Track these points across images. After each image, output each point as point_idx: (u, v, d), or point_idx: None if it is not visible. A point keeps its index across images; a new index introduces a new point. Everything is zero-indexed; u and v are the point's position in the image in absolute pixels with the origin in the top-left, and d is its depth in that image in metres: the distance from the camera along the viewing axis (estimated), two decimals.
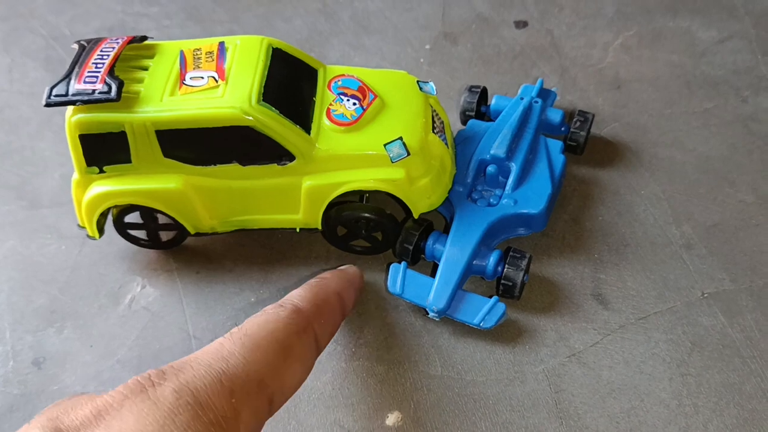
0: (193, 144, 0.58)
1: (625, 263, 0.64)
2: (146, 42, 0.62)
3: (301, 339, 0.46)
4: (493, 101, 0.72)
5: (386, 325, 0.61)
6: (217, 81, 0.58)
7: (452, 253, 0.60)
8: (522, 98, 0.70)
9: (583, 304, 0.61)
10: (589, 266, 0.63)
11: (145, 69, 0.60)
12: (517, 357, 0.59)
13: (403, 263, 0.61)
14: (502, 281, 0.60)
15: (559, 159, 0.67)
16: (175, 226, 0.63)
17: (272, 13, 0.93)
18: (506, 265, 0.60)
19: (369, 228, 0.63)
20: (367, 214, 0.61)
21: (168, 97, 0.57)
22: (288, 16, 0.92)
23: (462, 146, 0.67)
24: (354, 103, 0.60)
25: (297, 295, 0.50)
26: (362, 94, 0.61)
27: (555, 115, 0.71)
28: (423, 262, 0.64)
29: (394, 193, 0.59)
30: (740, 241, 0.65)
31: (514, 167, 0.65)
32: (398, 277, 0.60)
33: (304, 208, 0.61)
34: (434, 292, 0.59)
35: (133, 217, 0.64)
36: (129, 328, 0.63)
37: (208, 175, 0.59)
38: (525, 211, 0.63)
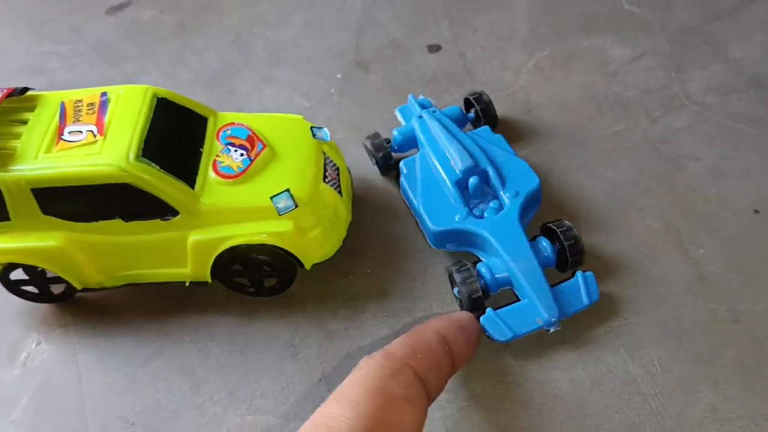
0: (72, 201, 0.56)
1: None
2: (28, 93, 0.60)
3: (397, 379, 0.46)
4: (394, 134, 0.71)
5: (284, 374, 0.60)
6: (95, 136, 0.56)
7: (522, 266, 0.59)
8: (420, 116, 0.70)
9: (486, 345, 0.60)
10: (490, 303, 0.62)
11: (25, 123, 0.58)
12: None
13: (489, 310, 0.59)
14: (569, 253, 0.60)
15: (498, 137, 0.69)
16: (63, 279, 0.61)
17: (184, 46, 0.91)
18: (561, 239, 0.61)
19: (264, 270, 0.61)
20: (261, 257, 0.60)
21: (43, 154, 0.55)
22: (200, 48, 0.90)
23: (422, 186, 0.66)
24: (242, 154, 0.59)
25: (392, 342, 0.50)
26: (251, 143, 0.60)
27: (454, 111, 0.73)
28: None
29: (283, 247, 0.58)
30: (645, 270, 0.64)
31: (489, 167, 0.65)
32: (500, 324, 0.58)
33: (191, 263, 0.59)
34: (541, 308, 0.58)
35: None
36: (23, 388, 0.61)
37: (91, 231, 0.58)
38: (530, 190, 0.64)
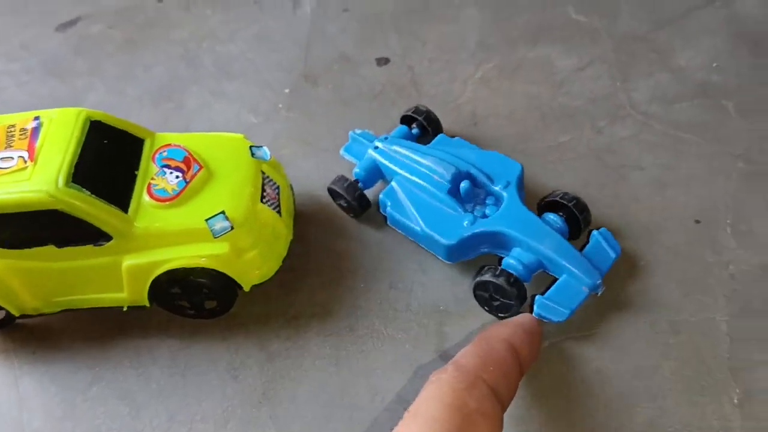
0: (4, 228, 0.56)
1: (469, 316, 0.62)
2: None
3: (471, 394, 0.45)
4: (356, 172, 0.70)
5: (226, 397, 0.59)
6: (26, 162, 0.56)
7: (548, 244, 0.60)
8: (376, 146, 0.70)
9: (426, 363, 0.59)
10: (434, 318, 0.62)
11: None
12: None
13: (537, 297, 0.60)
14: (578, 213, 0.63)
15: (458, 140, 0.72)
16: (0, 306, 0.61)
17: (133, 61, 0.90)
18: (565, 204, 0.63)
19: (203, 292, 0.61)
20: (198, 280, 0.59)
21: None
22: (148, 63, 0.89)
23: (416, 210, 0.65)
24: (177, 176, 0.59)
25: (460, 353, 0.49)
26: (187, 165, 0.59)
27: (402, 131, 0.73)
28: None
29: (219, 269, 0.58)
30: None
31: (470, 168, 0.65)
32: (553, 306, 0.59)
33: (127, 287, 0.59)
34: (583, 275, 0.59)
35: None
36: None
37: (25, 258, 0.57)
38: (517, 175, 0.65)
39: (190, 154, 0.60)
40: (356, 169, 0.69)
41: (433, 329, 0.62)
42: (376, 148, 0.69)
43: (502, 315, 0.61)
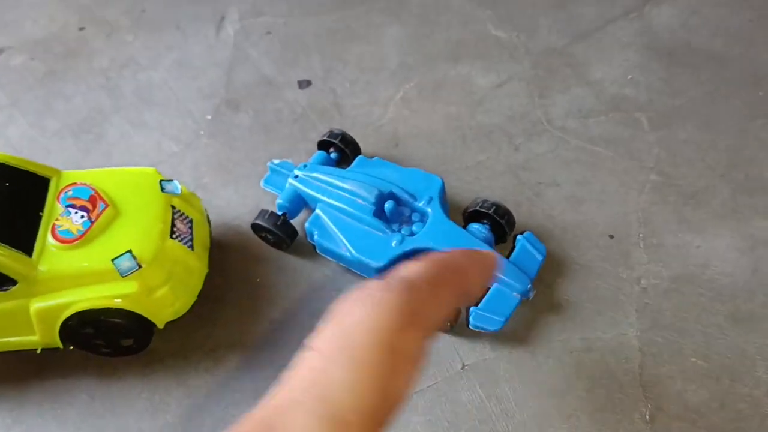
0: None
1: None
2: None
3: (411, 335, 0.35)
4: (280, 203, 0.70)
5: None
6: None
7: None
8: (296, 175, 0.70)
9: None
10: None
11: None
12: None
13: (472, 310, 0.61)
14: (499, 218, 0.65)
15: (376, 160, 0.72)
16: None
17: (53, 93, 0.89)
18: (486, 212, 0.65)
19: (118, 331, 0.60)
20: (110, 319, 0.59)
21: None
22: (69, 95, 0.88)
23: (342, 234, 0.65)
24: (82, 216, 0.58)
25: (413, 271, 0.37)
26: (93, 204, 0.59)
27: (321, 157, 0.74)
28: None
29: (129, 309, 0.57)
30: None
31: (392, 188, 0.66)
32: (488, 316, 0.61)
33: (38, 330, 0.58)
34: (513, 282, 0.61)
35: None
36: None
37: None
38: (438, 189, 0.66)
39: (96, 192, 0.59)
40: (279, 200, 0.69)
41: None
42: (296, 177, 0.69)
43: None
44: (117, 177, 0.62)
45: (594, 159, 0.75)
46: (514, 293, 0.61)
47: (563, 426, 0.57)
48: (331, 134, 0.74)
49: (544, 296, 0.64)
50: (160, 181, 0.62)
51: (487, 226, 0.64)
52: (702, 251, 0.66)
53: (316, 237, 0.66)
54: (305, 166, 0.70)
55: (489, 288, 0.61)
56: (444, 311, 0.38)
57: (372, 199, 0.64)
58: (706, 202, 0.70)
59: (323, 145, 0.75)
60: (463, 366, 0.61)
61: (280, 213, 0.68)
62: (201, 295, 0.63)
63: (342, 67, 0.88)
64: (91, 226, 0.57)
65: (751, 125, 0.76)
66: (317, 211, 0.67)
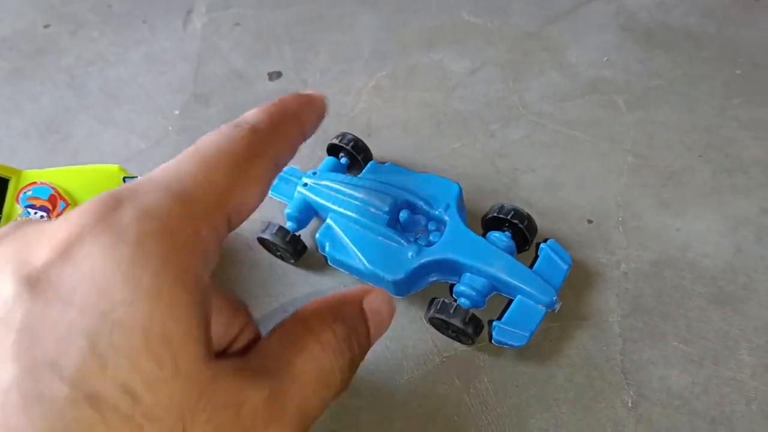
0: None
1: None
2: None
3: (260, 161, 0.38)
4: (289, 213, 0.66)
5: None
6: None
7: (498, 266, 0.58)
8: (305, 183, 0.66)
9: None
10: None
11: None
12: None
13: (494, 324, 0.58)
14: (520, 224, 0.61)
15: (389, 166, 0.68)
16: None
17: (19, 92, 0.87)
18: (506, 219, 0.62)
19: None
20: None
21: None
22: (35, 93, 0.86)
23: (356, 246, 0.61)
24: (42, 216, 0.56)
25: (253, 116, 0.42)
26: (53, 203, 0.57)
27: (330, 163, 0.70)
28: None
29: None
30: None
31: (407, 196, 0.62)
32: (511, 330, 0.58)
33: None
34: (538, 294, 0.58)
35: None
36: None
37: None
38: (456, 196, 0.63)
39: (56, 191, 0.57)
40: (288, 210, 0.66)
41: None
42: (305, 185, 0.66)
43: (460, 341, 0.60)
44: (78, 175, 0.60)
45: (571, 143, 0.73)
46: (539, 305, 0.58)
47: (544, 415, 0.56)
48: (343, 139, 0.70)
49: None
50: (124, 177, 0.61)
51: (508, 234, 0.62)
52: (682, 233, 0.65)
53: (327, 249, 0.62)
54: (314, 173, 0.67)
55: (512, 300, 0.59)
56: (287, 148, 0.39)
57: (386, 208, 0.61)
58: (686, 184, 0.69)
59: (333, 150, 0.72)
60: (442, 358, 0.60)
61: (289, 223, 0.65)
62: None
63: (313, 57, 0.86)
64: None
65: (728, 104, 0.75)
66: (328, 221, 0.63)
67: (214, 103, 0.82)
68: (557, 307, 0.58)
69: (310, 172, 0.67)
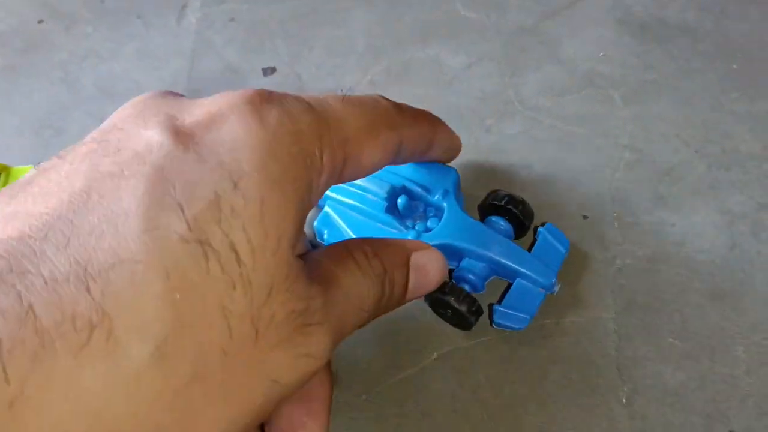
0: None
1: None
2: None
3: (391, 132, 0.42)
4: (317, 228, 0.63)
5: None
6: None
7: (497, 250, 0.58)
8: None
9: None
10: None
11: None
12: None
13: (495, 307, 0.58)
14: (515, 208, 0.61)
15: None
16: None
17: (12, 89, 0.87)
18: (502, 204, 0.61)
19: None
20: None
21: None
22: (28, 90, 0.86)
23: (356, 234, 0.60)
24: None
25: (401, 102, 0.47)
26: None
27: None
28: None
29: None
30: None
31: (406, 182, 0.62)
32: (512, 314, 0.58)
33: None
34: (537, 277, 0.58)
35: None
36: None
37: None
38: (454, 182, 0.62)
39: None
40: (318, 225, 0.63)
41: None
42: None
43: (460, 326, 0.60)
44: None
45: (567, 138, 0.73)
46: (539, 288, 0.58)
47: (539, 412, 0.56)
48: None
49: None
50: None
51: (505, 219, 0.62)
52: (678, 229, 0.65)
53: (326, 236, 0.61)
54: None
55: (511, 284, 0.59)
56: (414, 138, 0.47)
57: (383, 194, 0.60)
58: (682, 179, 0.68)
59: None
60: (437, 355, 0.59)
61: (321, 237, 0.63)
62: None
63: (308, 52, 0.86)
64: None
65: (725, 99, 0.74)
66: (326, 208, 0.63)
67: None
68: (556, 289, 0.58)
69: None
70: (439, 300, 0.58)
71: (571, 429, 0.55)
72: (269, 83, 0.83)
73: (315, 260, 0.38)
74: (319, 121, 0.36)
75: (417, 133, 0.49)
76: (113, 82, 0.86)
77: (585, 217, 0.66)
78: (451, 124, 0.73)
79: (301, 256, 0.36)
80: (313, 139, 0.36)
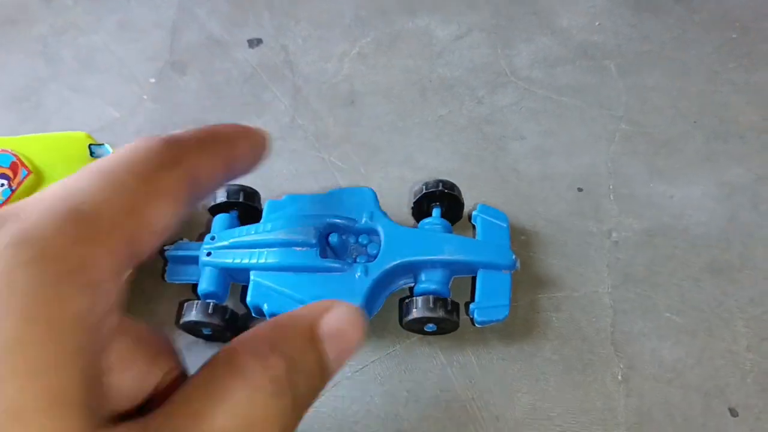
0: None
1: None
2: None
3: (172, 171, 0.33)
4: (202, 289, 0.58)
5: None
6: None
7: (448, 251, 0.56)
8: (208, 252, 0.58)
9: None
10: None
11: None
12: None
13: (471, 306, 0.56)
14: (442, 196, 0.60)
15: (286, 198, 0.60)
16: None
17: None
18: (444, 191, 0.60)
19: None
20: None
21: None
22: (6, 62, 0.83)
23: (299, 292, 0.55)
24: (2, 184, 0.53)
25: (175, 132, 0.39)
26: (14, 171, 0.54)
27: (222, 220, 0.62)
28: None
29: None
30: None
31: (325, 218, 0.57)
32: (490, 308, 0.55)
33: None
34: (498, 261, 0.56)
35: None
36: None
37: None
38: (371, 199, 0.59)
39: (18, 158, 0.54)
40: (201, 287, 0.57)
41: None
42: (209, 254, 0.58)
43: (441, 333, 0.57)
44: (43, 142, 0.58)
45: (561, 109, 0.71)
46: (503, 271, 0.55)
47: (532, 390, 0.54)
48: (229, 194, 0.61)
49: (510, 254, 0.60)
50: (90, 145, 0.58)
51: (438, 210, 0.59)
52: (675, 201, 0.63)
53: (266, 308, 0.54)
54: (212, 237, 0.59)
55: (475, 277, 0.56)
56: (212, 165, 0.36)
57: (312, 240, 0.55)
58: (679, 150, 0.66)
59: (216, 209, 0.63)
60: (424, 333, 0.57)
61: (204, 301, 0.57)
62: (144, 270, 0.59)
63: (294, 24, 0.83)
64: (11, 195, 0.53)
65: (722, 69, 0.72)
66: (254, 279, 0.56)
67: (191, 71, 0.79)
68: (518, 265, 0.56)
69: (206, 238, 0.59)
70: (416, 321, 0.55)
71: (564, 407, 0.53)
72: (254, 56, 0.80)
73: (174, 402, 0.25)
74: (73, 222, 0.25)
75: (208, 157, 0.37)
76: (93, 55, 0.83)
77: (580, 189, 0.64)
78: (441, 96, 0.71)
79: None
80: (68, 249, 0.24)
